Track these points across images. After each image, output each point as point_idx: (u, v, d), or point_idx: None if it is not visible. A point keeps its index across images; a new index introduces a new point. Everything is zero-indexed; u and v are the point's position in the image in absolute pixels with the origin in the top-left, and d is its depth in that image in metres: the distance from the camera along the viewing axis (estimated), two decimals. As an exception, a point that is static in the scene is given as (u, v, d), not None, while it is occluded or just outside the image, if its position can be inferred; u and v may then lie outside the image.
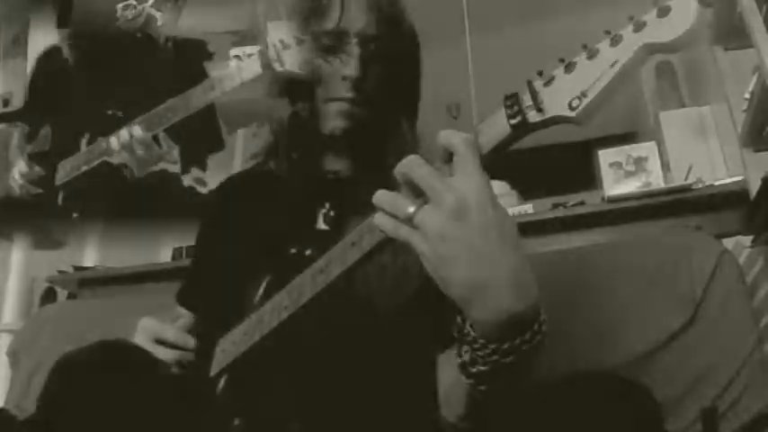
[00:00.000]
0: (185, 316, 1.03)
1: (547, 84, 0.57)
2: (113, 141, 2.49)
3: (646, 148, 2.09)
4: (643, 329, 1.19)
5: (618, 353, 1.18)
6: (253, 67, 2.28)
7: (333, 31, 0.95)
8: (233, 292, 0.90)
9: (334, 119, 0.96)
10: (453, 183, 0.57)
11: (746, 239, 1.56)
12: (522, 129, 0.58)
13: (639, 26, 0.53)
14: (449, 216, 0.56)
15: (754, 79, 1.52)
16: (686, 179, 1.94)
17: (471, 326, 0.61)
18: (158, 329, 0.90)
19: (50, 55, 2.79)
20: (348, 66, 0.94)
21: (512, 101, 0.58)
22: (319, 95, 0.97)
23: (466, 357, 0.63)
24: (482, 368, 0.61)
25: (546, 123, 0.57)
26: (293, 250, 0.91)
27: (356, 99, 0.95)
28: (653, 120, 2.29)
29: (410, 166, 0.59)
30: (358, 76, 0.94)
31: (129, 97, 2.60)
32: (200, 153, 2.57)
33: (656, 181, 2.01)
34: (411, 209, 0.58)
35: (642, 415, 0.62)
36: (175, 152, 2.55)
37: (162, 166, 2.55)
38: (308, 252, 0.88)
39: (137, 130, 2.47)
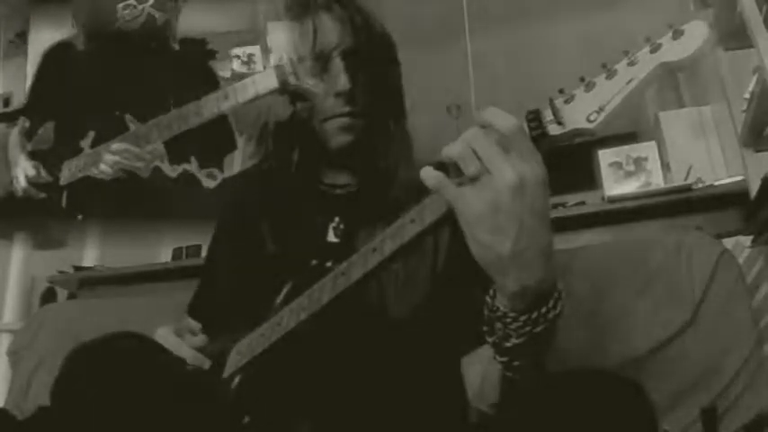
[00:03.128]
0: (196, 328, 1.02)
1: (567, 101, 0.62)
2: (103, 168, 2.53)
3: (646, 148, 2.10)
4: (643, 329, 1.19)
5: (618, 352, 1.18)
6: (269, 82, 2.30)
7: (313, 54, 0.96)
8: (249, 302, 0.90)
9: (336, 135, 0.96)
10: (515, 162, 0.61)
11: (746, 239, 1.56)
12: (542, 141, 0.63)
13: (656, 48, 0.58)
14: (507, 190, 0.61)
15: (754, 79, 1.52)
16: (686, 179, 1.94)
17: (499, 304, 0.66)
18: (176, 347, 0.88)
19: (57, 51, 2.79)
20: (337, 82, 0.94)
21: (533, 115, 0.63)
22: (316, 117, 0.97)
23: (500, 334, 0.68)
24: (516, 341, 0.67)
25: (565, 136, 0.63)
26: (314, 262, 0.92)
27: (353, 111, 0.95)
28: (653, 120, 2.29)
29: (475, 138, 0.63)
30: (349, 88, 0.94)
31: (136, 99, 2.61)
32: (216, 154, 2.59)
33: (656, 181, 2.02)
34: (473, 170, 0.62)
35: (636, 413, 0.63)
36: (160, 147, 2.56)
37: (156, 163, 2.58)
38: (328, 264, 0.89)
39: (116, 147, 2.51)
